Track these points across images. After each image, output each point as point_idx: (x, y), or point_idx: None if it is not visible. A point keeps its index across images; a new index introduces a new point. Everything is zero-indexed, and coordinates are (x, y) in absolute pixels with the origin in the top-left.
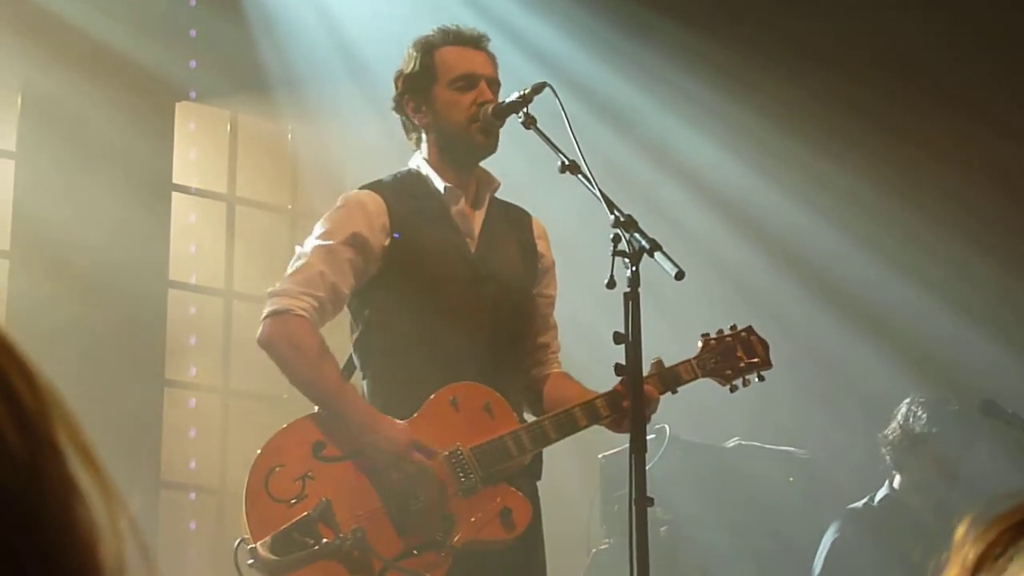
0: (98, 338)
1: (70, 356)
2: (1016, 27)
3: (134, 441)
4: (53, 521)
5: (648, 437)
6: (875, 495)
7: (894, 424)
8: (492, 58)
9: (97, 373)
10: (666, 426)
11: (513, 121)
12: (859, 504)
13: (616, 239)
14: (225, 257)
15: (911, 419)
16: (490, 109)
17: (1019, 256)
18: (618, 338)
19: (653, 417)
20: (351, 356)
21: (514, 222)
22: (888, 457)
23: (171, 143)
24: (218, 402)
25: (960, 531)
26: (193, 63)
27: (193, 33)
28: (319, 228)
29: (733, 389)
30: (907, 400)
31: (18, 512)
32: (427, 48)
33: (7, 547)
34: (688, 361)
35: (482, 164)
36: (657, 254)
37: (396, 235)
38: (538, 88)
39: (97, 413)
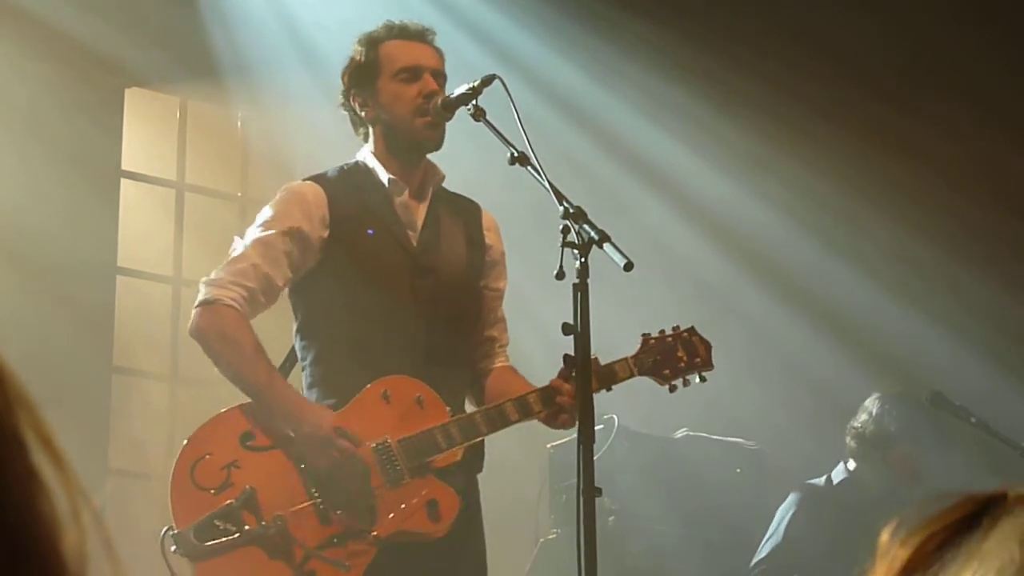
0: (46, 325)
1: (17, 343)
2: (957, 28)
3: (82, 428)
4: (15, 513)
5: (596, 427)
6: (832, 475)
7: (865, 417)
8: (438, 52)
9: (45, 360)
10: (614, 416)
11: (463, 113)
12: (819, 482)
13: (565, 230)
14: (174, 244)
15: (886, 416)
16: (439, 101)
17: (971, 252)
18: (567, 329)
19: (601, 407)
20: (293, 348)
21: (461, 214)
22: (854, 445)
23: (120, 129)
24: (166, 390)
25: (884, 535)
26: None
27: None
28: (258, 218)
29: (672, 389)
30: (879, 395)
31: None
32: (371, 43)
33: None
34: (625, 359)
35: (432, 156)
36: (606, 245)
37: (370, 231)
38: (488, 80)
39: (44, 400)
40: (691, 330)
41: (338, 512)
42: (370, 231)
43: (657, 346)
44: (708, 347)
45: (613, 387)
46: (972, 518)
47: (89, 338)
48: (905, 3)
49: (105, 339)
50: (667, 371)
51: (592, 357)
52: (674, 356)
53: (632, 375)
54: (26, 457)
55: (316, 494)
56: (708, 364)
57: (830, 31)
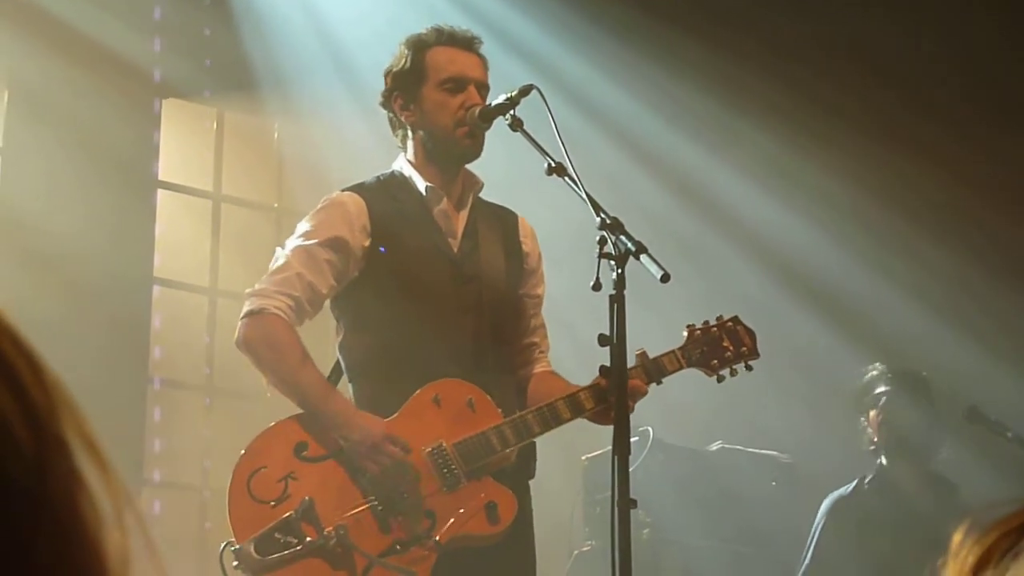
0: (83, 334)
1: (54, 352)
2: (989, 35)
3: (117, 438)
4: (58, 514)
5: (631, 439)
6: (866, 476)
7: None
8: (483, 61)
9: (81, 369)
10: (649, 428)
11: (500, 123)
12: (848, 490)
13: (602, 241)
14: (210, 255)
15: (873, 380)
16: (477, 112)
17: (1004, 266)
18: (603, 340)
19: (636, 419)
20: (338, 360)
21: (499, 222)
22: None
23: (157, 140)
24: (201, 400)
25: (957, 537)
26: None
27: (207, 32)
28: (299, 229)
29: (720, 379)
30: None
31: (24, 505)
32: (419, 46)
33: (13, 539)
34: (672, 352)
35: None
36: (643, 256)
37: (382, 249)
38: (525, 90)
39: (81, 408)
40: (735, 319)
41: (397, 517)
42: (381, 250)
43: (703, 337)
44: (753, 336)
45: (663, 380)
46: None
47: (125, 348)
48: (936, 9)
49: (141, 349)
50: (715, 361)
51: (640, 351)
52: (720, 346)
53: (681, 367)
54: (70, 459)
55: (374, 500)
56: (754, 353)
57: (859, 38)
